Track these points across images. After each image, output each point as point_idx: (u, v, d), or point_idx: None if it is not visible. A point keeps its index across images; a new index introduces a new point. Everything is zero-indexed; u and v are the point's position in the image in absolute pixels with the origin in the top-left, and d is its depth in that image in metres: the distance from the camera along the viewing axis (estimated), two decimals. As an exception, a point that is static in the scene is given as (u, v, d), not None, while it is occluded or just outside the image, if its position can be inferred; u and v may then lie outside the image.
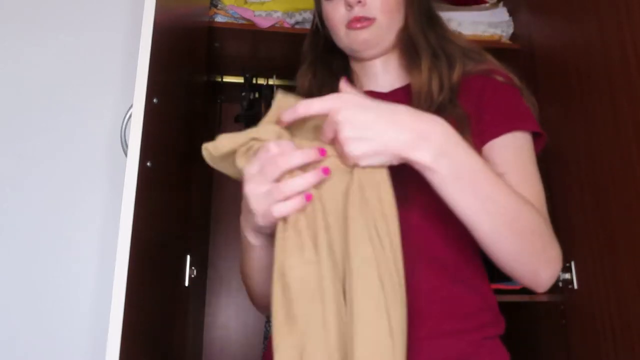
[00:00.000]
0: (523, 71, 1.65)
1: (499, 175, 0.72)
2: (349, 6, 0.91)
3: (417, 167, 0.67)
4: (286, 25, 1.60)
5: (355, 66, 1.02)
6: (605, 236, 1.24)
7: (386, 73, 0.99)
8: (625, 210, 1.17)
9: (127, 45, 1.57)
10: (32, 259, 1.41)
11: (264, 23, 1.56)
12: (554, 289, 1.42)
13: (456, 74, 0.91)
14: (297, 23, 1.61)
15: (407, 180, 0.69)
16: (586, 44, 1.33)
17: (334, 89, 0.74)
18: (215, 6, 1.60)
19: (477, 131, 0.85)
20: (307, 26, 1.60)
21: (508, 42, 1.71)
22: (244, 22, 1.58)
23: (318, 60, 1.04)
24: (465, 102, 0.88)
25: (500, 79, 0.91)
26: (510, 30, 1.71)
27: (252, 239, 0.79)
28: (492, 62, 0.96)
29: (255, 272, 0.85)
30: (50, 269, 1.41)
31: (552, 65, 1.50)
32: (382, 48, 0.96)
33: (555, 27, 1.50)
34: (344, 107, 0.65)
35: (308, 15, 1.61)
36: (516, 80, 0.92)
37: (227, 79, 1.91)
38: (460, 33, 1.00)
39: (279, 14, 1.60)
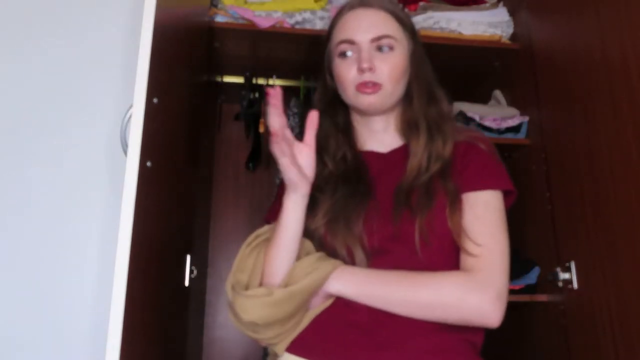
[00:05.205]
0: (523, 71, 1.68)
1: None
2: (361, 70, 0.99)
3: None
4: (286, 25, 1.59)
5: (357, 122, 1.10)
6: (605, 236, 1.24)
7: (385, 133, 1.07)
8: (625, 211, 1.18)
9: (127, 45, 1.56)
10: (32, 259, 1.41)
11: (264, 23, 1.55)
12: (554, 289, 1.43)
13: (448, 150, 1.00)
14: (297, 23, 1.61)
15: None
16: (586, 44, 1.33)
17: (337, 141, 1.04)
18: (215, 6, 1.60)
19: (458, 184, 0.96)
20: (307, 26, 1.61)
21: (508, 42, 1.71)
22: (244, 22, 1.57)
23: (326, 112, 1.10)
24: (453, 168, 0.98)
25: (483, 146, 1.01)
26: (510, 30, 1.71)
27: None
28: (474, 130, 1.07)
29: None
30: (51, 268, 1.41)
31: (552, 65, 1.50)
32: (385, 109, 1.05)
33: (555, 28, 1.50)
34: None
35: (308, 15, 1.61)
36: (493, 147, 1.03)
37: (227, 79, 1.91)
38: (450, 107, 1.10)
39: (279, 14, 1.59)
